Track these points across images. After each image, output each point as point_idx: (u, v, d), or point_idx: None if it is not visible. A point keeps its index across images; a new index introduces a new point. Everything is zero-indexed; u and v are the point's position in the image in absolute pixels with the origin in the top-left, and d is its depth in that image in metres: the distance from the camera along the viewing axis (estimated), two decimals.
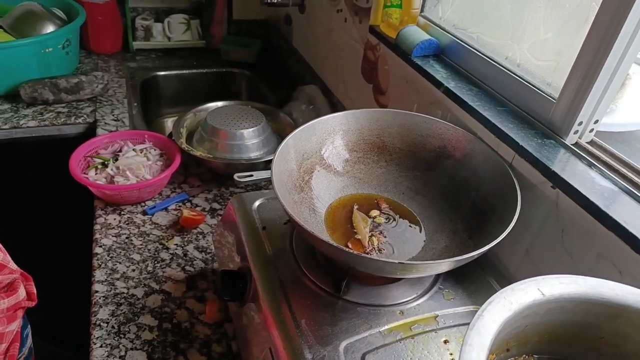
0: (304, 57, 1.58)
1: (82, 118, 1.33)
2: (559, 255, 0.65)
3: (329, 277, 0.65)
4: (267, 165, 1.11)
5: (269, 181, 0.97)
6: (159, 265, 0.91)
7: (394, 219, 0.74)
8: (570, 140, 0.67)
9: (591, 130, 0.68)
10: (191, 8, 1.80)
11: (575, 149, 0.66)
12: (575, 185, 0.60)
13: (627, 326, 0.45)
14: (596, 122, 0.67)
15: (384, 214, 0.75)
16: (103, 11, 1.60)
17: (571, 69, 0.65)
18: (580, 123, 0.66)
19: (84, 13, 1.47)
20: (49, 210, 1.50)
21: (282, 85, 1.58)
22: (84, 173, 1.04)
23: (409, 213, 0.76)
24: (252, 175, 0.99)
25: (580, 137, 0.68)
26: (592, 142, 0.68)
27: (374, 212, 0.74)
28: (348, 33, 1.23)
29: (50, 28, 1.41)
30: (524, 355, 0.49)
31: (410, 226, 0.74)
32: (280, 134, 1.23)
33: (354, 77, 1.22)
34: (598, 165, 0.64)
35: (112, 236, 0.96)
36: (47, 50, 1.35)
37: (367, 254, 0.67)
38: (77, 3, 1.53)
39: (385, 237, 0.71)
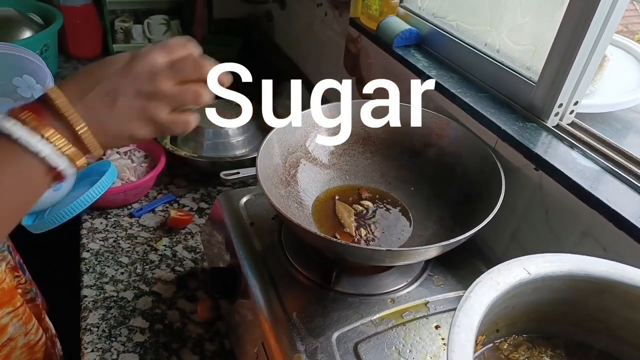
0: (286, 53, 1.57)
1: None
2: (544, 236, 0.66)
3: (319, 270, 0.65)
4: (253, 162, 1.10)
5: (255, 178, 0.97)
6: (148, 267, 0.90)
7: (382, 209, 0.74)
8: (551, 122, 0.68)
9: (571, 112, 0.68)
10: (171, 8, 1.78)
11: (557, 131, 0.67)
12: (558, 167, 0.60)
13: (612, 301, 0.45)
14: (576, 103, 0.68)
15: (373, 204, 0.75)
16: (81, 15, 1.58)
17: (549, 52, 0.66)
18: (561, 105, 0.67)
19: (61, 17, 1.45)
20: None
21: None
22: None
23: (397, 202, 0.76)
24: (238, 173, 0.98)
25: (561, 119, 0.69)
26: (572, 124, 0.69)
27: (366, 203, 0.75)
28: (329, 27, 1.23)
29: (27, 33, 1.39)
30: (514, 335, 0.49)
31: (398, 215, 0.74)
32: (265, 130, 1.22)
33: (336, 71, 1.22)
34: (579, 146, 0.64)
35: (99, 240, 0.95)
36: None
37: (355, 243, 0.67)
38: (54, 7, 1.50)
39: (373, 227, 0.71)
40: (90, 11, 1.61)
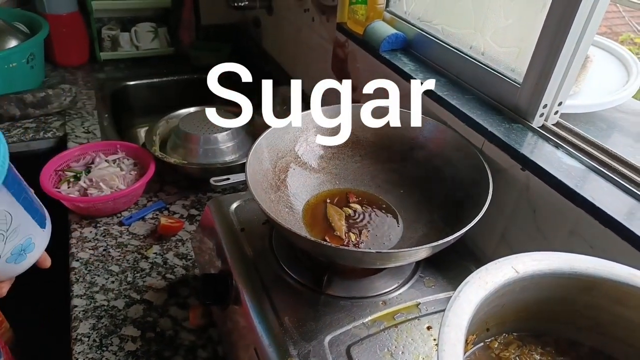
0: (275, 59, 1.58)
1: (52, 132, 1.30)
2: (532, 236, 0.66)
3: (310, 274, 0.65)
4: (243, 168, 1.10)
5: (245, 183, 0.97)
6: (138, 275, 0.90)
7: (372, 212, 0.75)
8: (536, 123, 0.69)
9: (556, 113, 0.69)
10: (157, 15, 1.78)
11: (542, 132, 0.68)
12: (544, 167, 0.61)
13: (600, 298, 0.46)
14: (560, 104, 0.69)
15: (363, 207, 0.75)
16: (67, 23, 1.57)
17: (533, 54, 0.67)
18: (545, 106, 0.68)
19: (47, 26, 1.44)
20: None
21: (255, 88, 1.57)
22: (56, 187, 1.02)
23: (386, 205, 0.76)
24: (228, 179, 0.98)
25: (546, 120, 0.70)
26: (557, 124, 0.70)
27: (356, 206, 0.75)
28: (316, 32, 1.24)
29: (13, 43, 1.38)
30: (504, 334, 0.50)
31: (387, 218, 0.74)
32: (254, 136, 1.22)
33: (324, 75, 1.22)
34: (565, 145, 0.65)
35: (89, 249, 0.94)
36: (11, 65, 1.32)
37: (346, 246, 0.67)
38: (40, 16, 1.49)
39: (364, 229, 0.71)
40: (77, 19, 1.60)
